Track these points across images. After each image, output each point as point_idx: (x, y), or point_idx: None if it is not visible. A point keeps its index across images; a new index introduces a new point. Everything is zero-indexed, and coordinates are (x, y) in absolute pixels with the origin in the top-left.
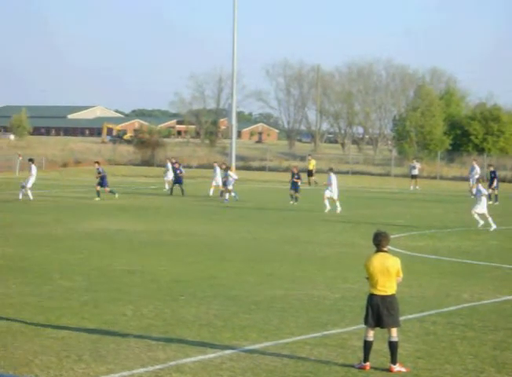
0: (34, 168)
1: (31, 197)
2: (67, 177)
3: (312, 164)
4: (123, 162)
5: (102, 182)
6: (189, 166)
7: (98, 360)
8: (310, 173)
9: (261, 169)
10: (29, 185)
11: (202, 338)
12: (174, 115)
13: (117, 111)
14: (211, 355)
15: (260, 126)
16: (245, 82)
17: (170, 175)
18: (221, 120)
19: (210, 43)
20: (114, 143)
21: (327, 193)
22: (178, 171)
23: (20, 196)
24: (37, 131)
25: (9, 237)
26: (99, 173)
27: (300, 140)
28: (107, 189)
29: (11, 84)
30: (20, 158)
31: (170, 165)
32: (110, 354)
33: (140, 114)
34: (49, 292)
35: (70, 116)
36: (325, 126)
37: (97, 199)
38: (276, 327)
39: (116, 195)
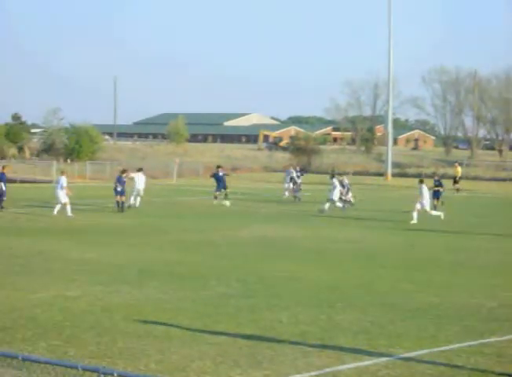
0: (141, 177)
1: (137, 204)
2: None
3: (458, 171)
4: (279, 169)
5: (218, 185)
6: (345, 173)
7: (254, 365)
8: (455, 181)
9: (418, 176)
10: (141, 193)
11: (357, 345)
12: (330, 122)
13: (273, 118)
14: (367, 362)
15: (416, 132)
16: (401, 88)
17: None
18: (377, 127)
19: (366, 49)
20: (270, 150)
21: (418, 206)
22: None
23: (137, 204)
24: (194, 138)
25: (166, 243)
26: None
27: (456, 147)
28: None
29: (168, 92)
30: (177, 163)
31: (294, 172)
32: (266, 360)
33: (296, 121)
34: (205, 298)
35: (226, 123)
36: (482, 133)
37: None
38: (432, 335)
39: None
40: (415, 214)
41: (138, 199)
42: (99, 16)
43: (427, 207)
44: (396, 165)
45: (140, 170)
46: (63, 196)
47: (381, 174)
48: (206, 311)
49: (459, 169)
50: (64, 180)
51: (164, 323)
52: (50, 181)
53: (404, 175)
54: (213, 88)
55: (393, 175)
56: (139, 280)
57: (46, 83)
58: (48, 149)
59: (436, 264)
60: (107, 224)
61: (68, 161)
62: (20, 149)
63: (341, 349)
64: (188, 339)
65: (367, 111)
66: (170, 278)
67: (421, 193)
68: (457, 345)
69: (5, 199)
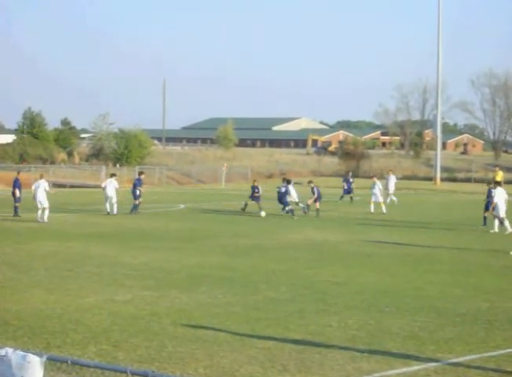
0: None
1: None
2: (273, 188)
3: (499, 175)
4: (328, 174)
5: (253, 197)
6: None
7: (303, 370)
8: (498, 185)
9: (467, 180)
10: None
11: (406, 350)
12: (379, 127)
13: (322, 123)
14: (415, 367)
15: (465, 137)
16: (450, 92)
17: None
18: (426, 131)
19: (415, 53)
20: (319, 154)
21: (500, 213)
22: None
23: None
24: (243, 143)
25: (215, 248)
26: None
27: (506, 151)
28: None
29: (218, 97)
30: (226, 169)
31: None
32: (314, 365)
33: (344, 125)
34: (254, 302)
35: (275, 128)
36: None
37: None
38: (482, 340)
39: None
40: (495, 222)
41: (115, 206)
42: (149, 19)
43: (501, 213)
44: (445, 169)
45: (112, 175)
46: (45, 200)
47: (430, 179)
48: (255, 315)
49: (501, 173)
50: (45, 183)
51: (213, 328)
52: (99, 186)
53: (453, 180)
54: (262, 92)
55: (442, 180)
56: (188, 284)
57: (95, 88)
58: (97, 154)
59: (486, 269)
60: (156, 228)
61: (117, 166)
62: (70, 154)
63: (390, 354)
64: (237, 344)
65: (416, 116)
66: (220, 282)
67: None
68: (507, 351)
69: (17, 204)
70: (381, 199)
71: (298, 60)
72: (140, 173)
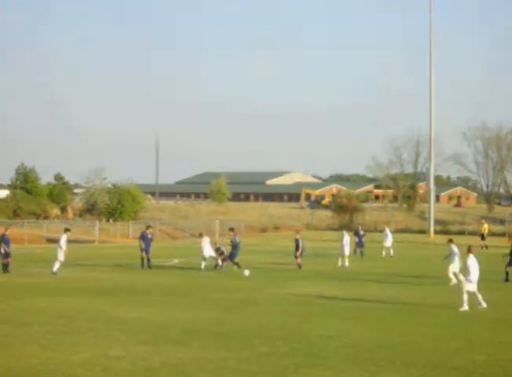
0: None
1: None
2: (266, 242)
3: (484, 228)
4: (321, 227)
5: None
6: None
7: None
8: (482, 237)
9: (461, 233)
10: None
11: None
12: (372, 180)
13: (315, 177)
14: None
15: (458, 189)
16: (442, 145)
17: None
18: (419, 184)
19: (408, 106)
20: (312, 208)
21: (452, 267)
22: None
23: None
24: (236, 197)
25: (209, 302)
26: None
27: (499, 204)
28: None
29: (211, 151)
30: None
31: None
32: None
33: (338, 179)
34: (249, 357)
35: (268, 182)
36: None
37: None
38: None
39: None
40: (451, 276)
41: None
42: (141, 76)
43: (457, 269)
44: (438, 222)
45: (66, 230)
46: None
47: (423, 232)
48: (250, 370)
49: (486, 225)
50: (207, 239)
51: None
52: (93, 241)
53: (446, 232)
54: (255, 146)
55: (436, 232)
56: (182, 339)
57: (88, 142)
58: (91, 209)
59: (480, 321)
60: (149, 283)
61: (111, 221)
62: (63, 209)
63: None
64: None
65: (408, 169)
66: (214, 337)
67: (451, 254)
68: None
69: (10, 260)
70: (347, 253)
71: (291, 114)
72: (148, 227)
